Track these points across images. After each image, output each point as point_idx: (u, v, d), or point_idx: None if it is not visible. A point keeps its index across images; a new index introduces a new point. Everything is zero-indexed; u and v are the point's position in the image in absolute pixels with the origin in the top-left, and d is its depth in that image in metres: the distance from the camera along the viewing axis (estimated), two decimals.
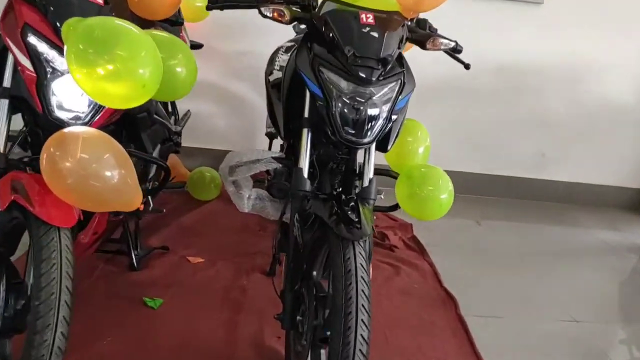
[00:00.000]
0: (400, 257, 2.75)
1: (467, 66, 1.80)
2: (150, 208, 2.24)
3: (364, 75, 1.47)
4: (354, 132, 1.52)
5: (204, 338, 1.95)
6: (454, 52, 1.75)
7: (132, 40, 1.29)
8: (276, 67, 1.79)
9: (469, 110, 3.49)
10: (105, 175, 1.39)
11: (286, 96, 1.75)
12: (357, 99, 1.50)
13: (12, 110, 1.55)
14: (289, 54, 1.82)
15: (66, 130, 1.39)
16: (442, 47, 1.66)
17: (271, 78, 1.74)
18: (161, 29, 1.73)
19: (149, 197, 2.29)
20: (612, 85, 3.60)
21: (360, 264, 1.42)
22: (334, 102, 1.50)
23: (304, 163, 1.64)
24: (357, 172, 1.92)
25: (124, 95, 1.29)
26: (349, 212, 1.53)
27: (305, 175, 1.63)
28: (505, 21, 3.34)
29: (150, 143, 2.23)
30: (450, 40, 1.66)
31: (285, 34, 2.47)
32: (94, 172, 1.38)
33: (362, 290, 1.38)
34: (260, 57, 3.46)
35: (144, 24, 1.70)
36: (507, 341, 2.22)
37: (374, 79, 1.48)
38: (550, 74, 3.49)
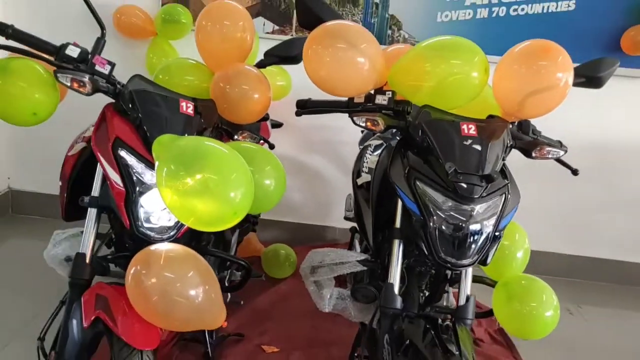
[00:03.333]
0: (488, 354, 2.53)
1: (575, 172, 1.64)
2: (227, 300, 2.16)
3: (465, 193, 1.36)
4: (453, 252, 1.39)
5: None
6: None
7: (222, 161, 1.24)
8: (364, 169, 1.71)
9: (561, 190, 3.25)
10: (189, 294, 1.34)
11: (375, 202, 1.65)
12: (457, 216, 1.38)
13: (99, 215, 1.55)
14: (377, 154, 1.73)
15: (152, 248, 1.35)
16: (550, 156, 1.51)
17: (359, 180, 1.66)
18: (247, 131, 1.69)
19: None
20: None
21: None
22: (432, 220, 1.39)
23: (395, 278, 1.52)
24: (449, 277, 1.78)
25: (214, 219, 1.23)
26: (445, 338, 1.40)
27: (397, 291, 1.51)
28: (599, 96, 3.12)
29: (231, 232, 2.19)
30: (559, 149, 1.52)
31: None
32: (178, 291, 1.32)
33: None
34: (336, 130, 3.45)
35: (232, 125, 1.67)
36: None
37: (476, 196, 1.36)
38: None
